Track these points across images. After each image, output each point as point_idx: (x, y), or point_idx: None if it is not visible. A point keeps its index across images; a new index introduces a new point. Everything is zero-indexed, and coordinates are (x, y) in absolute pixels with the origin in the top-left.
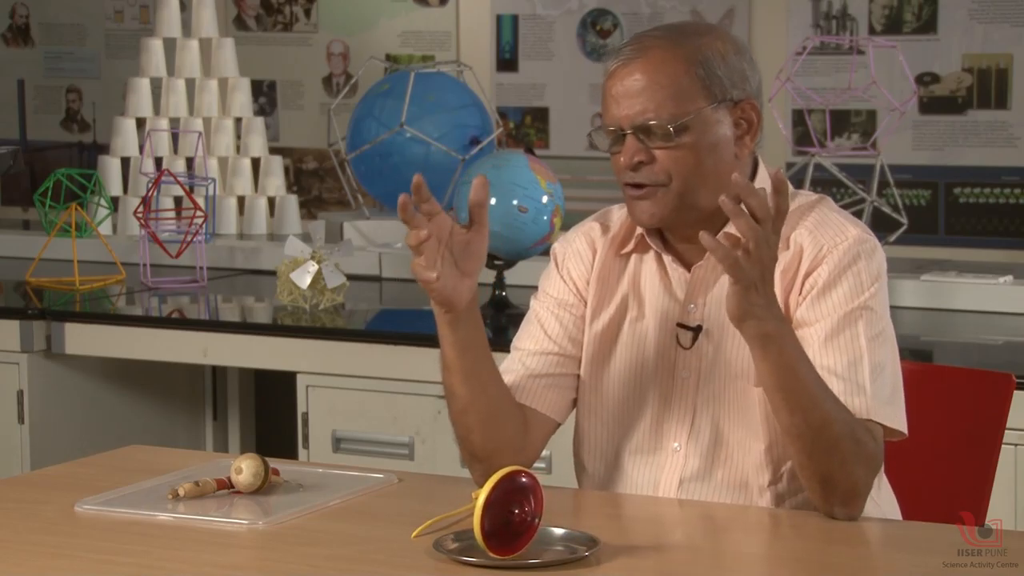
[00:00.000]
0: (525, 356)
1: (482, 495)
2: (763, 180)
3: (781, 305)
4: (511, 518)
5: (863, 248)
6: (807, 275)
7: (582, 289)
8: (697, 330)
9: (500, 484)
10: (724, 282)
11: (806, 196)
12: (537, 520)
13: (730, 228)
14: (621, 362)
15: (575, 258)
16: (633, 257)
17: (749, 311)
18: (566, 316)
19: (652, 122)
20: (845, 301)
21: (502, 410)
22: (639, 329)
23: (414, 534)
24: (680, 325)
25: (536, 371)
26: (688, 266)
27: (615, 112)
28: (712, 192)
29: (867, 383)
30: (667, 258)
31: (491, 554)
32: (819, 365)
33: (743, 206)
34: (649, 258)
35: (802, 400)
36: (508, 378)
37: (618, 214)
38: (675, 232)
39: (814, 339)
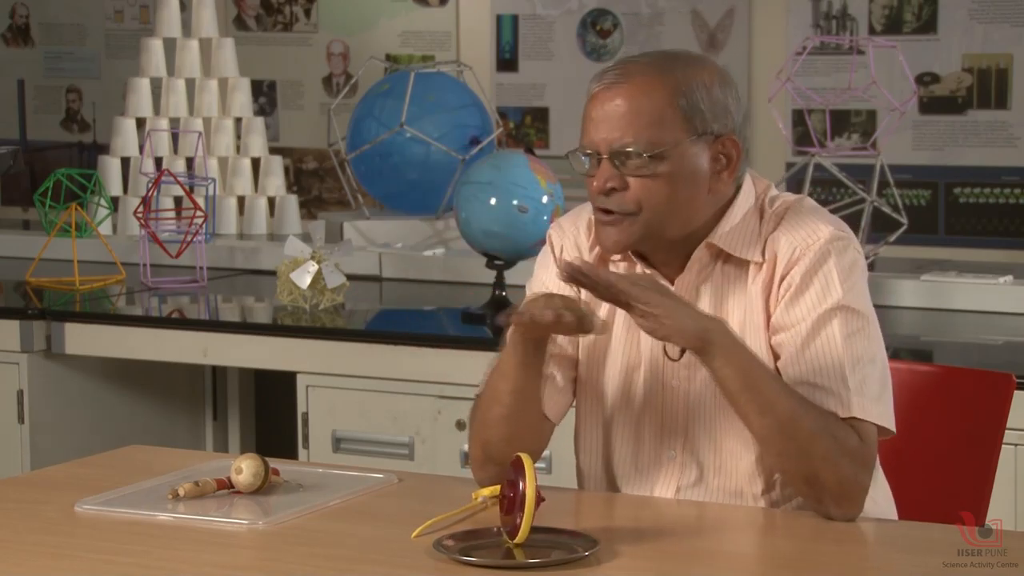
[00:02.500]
0: None
1: (531, 487)
2: (747, 193)
3: (762, 312)
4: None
5: (834, 247)
6: (782, 278)
7: None
8: None
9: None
10: (708, 293)
11: (783, 200)
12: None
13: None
14: (614, 370)
15: (573, 251)
16: (622, 265)
17: (700, 334)
18: None
19: (629, 148)
20: (817, 303)
21: (535, 425)
22: (631, 337)
23: (414, 534)
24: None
25: (543, 373)
26: (671, 279)
27: (593, 135)
28: (681, 224)
29: (848, 382)
30: (649, 272)
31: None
32: (800, 371)
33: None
34: (637, 269)
35: (768, 397)
36: None
37: None
38: (640, 254)
39: (791, 344)
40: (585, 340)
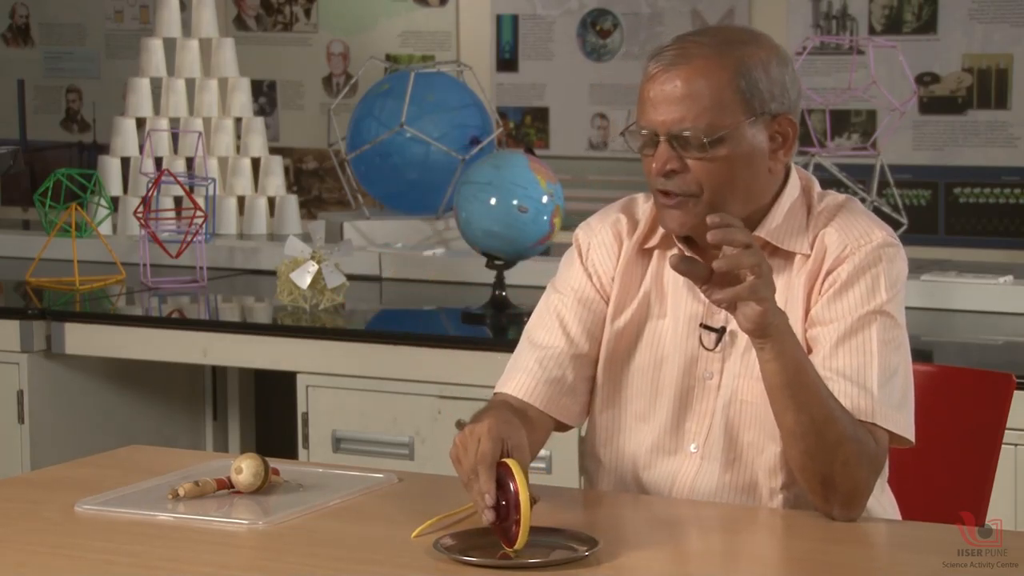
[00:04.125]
0: (543, 356)
1: (524, 493)
2: (793, 185)
3: (802, 303)
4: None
5: (886, 252)
6: (828, 272)
7: (605, 284)
8: (721, 331)
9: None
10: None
11: (833, 197)
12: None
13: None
14: (643, 361)
15: (600, 250)
16: (656, 253)
17: (771, 318)
18: (586, 315)
19: (687, 132)
20: (861, 303)
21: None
22: (661, 328)
23: (414, 534)
24: (704, 326)
25: (553, 375)
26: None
27: (652, 116)
28: (742, 204)
29: (875, 387)
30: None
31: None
32: (830, 366)
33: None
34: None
35: (810, 397)
36: (523, 379)
37: (644, 207)
38: (702, 236)
39: (827, 339)
40: (610, 333)
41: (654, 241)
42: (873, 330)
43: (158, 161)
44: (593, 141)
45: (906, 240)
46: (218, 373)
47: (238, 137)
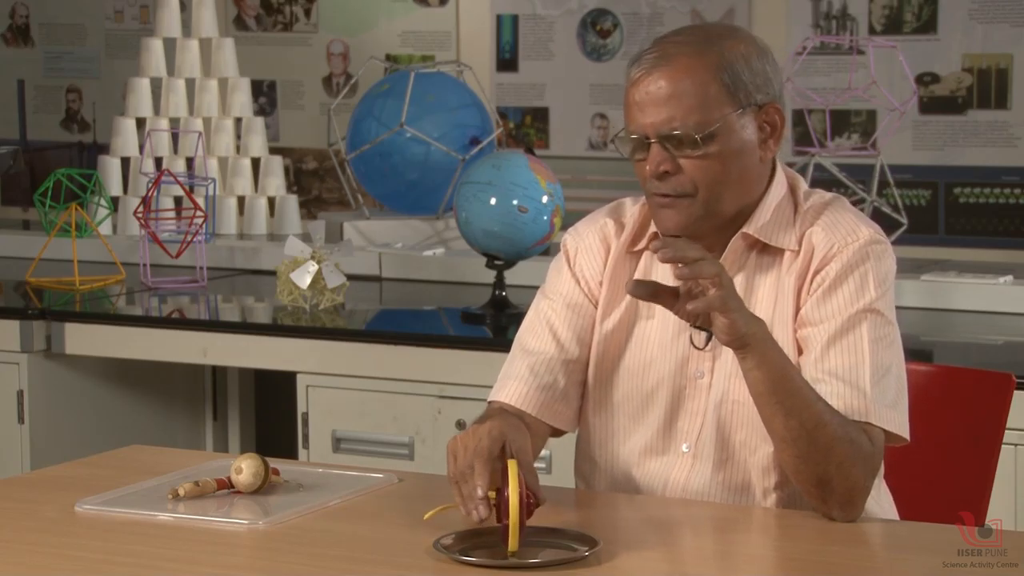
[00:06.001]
0: (535, 363)
1: (514, 496)
2: (780, 183)
3: (792, 304)
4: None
5: (873, 250)
6: (816, 272)
7: (593, 288)
8: (711, 331)
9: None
10: (740, 282)
11: (820, 195)
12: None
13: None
14: (633, 362)
15: (587, 255)
16: (644, 255)
17: (743, 328)
18: (576, 320)
19: (678, 131)
20: (850, 302)
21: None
22: (650, 329)
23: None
24: (695, 325)
25: (545, 382)
26: None
27: (640, 120)
28: (735, 198)
29: (868, 386)
30: None
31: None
32: (822, 367)
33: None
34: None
35: (796, 401)
36: (516, 386)
37: (631, 210)
38: (698, 236)
39: (818, 340)
40: (599, 335)
41: (642, 244)
42: (864, 329)
43: (158, 161)
44: (593, 141)
45: (906, 240)
46: (218, 373)
47: (238, 137)
